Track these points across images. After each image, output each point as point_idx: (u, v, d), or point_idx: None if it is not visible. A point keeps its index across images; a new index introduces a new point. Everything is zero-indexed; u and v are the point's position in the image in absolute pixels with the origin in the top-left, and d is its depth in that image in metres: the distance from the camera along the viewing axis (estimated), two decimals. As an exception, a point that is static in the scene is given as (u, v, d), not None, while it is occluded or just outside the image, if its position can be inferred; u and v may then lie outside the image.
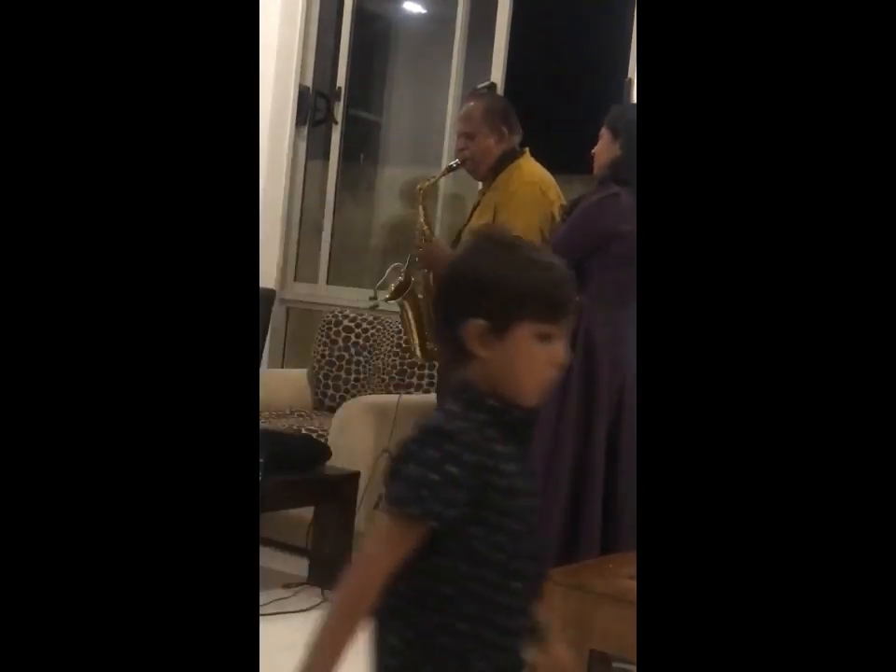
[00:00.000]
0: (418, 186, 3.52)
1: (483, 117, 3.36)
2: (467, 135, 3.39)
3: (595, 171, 3.02)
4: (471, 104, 3.44)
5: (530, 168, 3.35)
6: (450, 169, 3.59)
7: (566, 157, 3.66)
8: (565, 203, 3.36)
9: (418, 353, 3.52)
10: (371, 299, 3.59)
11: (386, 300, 3.51)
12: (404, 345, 4.08)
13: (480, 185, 3.47)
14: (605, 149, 2.97)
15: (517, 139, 3.39)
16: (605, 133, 2.99)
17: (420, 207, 3.49)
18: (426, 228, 3.47)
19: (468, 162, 3.42)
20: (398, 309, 3.58)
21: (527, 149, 3.40)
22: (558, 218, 3.29)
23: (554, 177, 3.44)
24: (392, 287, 3.47)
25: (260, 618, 2.99)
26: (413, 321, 3.49)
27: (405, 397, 3.80)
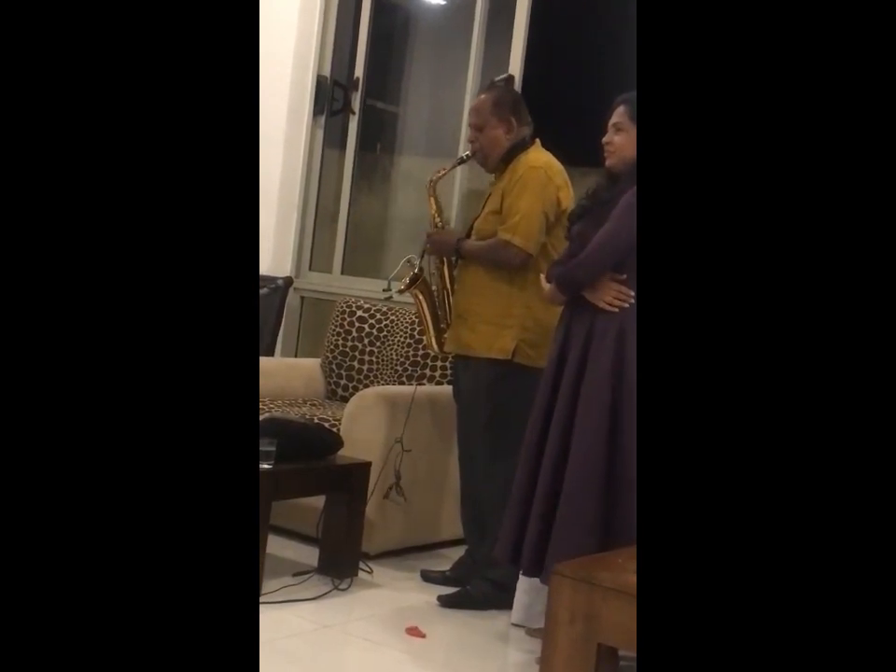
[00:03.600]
0: (429, 178, 3.53)
1: (492, 108, 3.36)
2: (476, 127, 3.40)
3: (616, 164, 2.89)
4: (481, 96, 3.46)
5: (537, 155, 3.35)
6: (460, 161, 3.60)
7: (585, 148, 3.64)
8: (572, 191, 3.34)
9: (434, 345, 3.51)
10: (384, 290, 3.59)
11: (400, 291, 3.51)
12: (418, 336, 4.09)
13: (493, 177, 3.46)
14: (632, 143, 2.82)
15: (527, 130, 3.39)
16: (628, 126, 2.85)
17: (431, 199, 3.49)
18: (438, 219, 3.48)
19: (478, 154, 3.43)
20: (412, 300, 3.58)
21: (538, 140, 3.40)
22: (563, 205, 3.27)
23: (573, 169, 3.42)
24: (406, 278, 3.47)
25: (270, 605, 3.02)
26: (427, 313, 3.49)
27: (418, 388, 3.80)
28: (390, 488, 3.58)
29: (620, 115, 2.90)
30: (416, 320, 3.92)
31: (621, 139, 2.88)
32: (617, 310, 2.79)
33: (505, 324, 3.27)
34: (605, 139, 2.93)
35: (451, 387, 3.58)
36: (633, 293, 2.79)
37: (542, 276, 3.00)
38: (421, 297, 3.48)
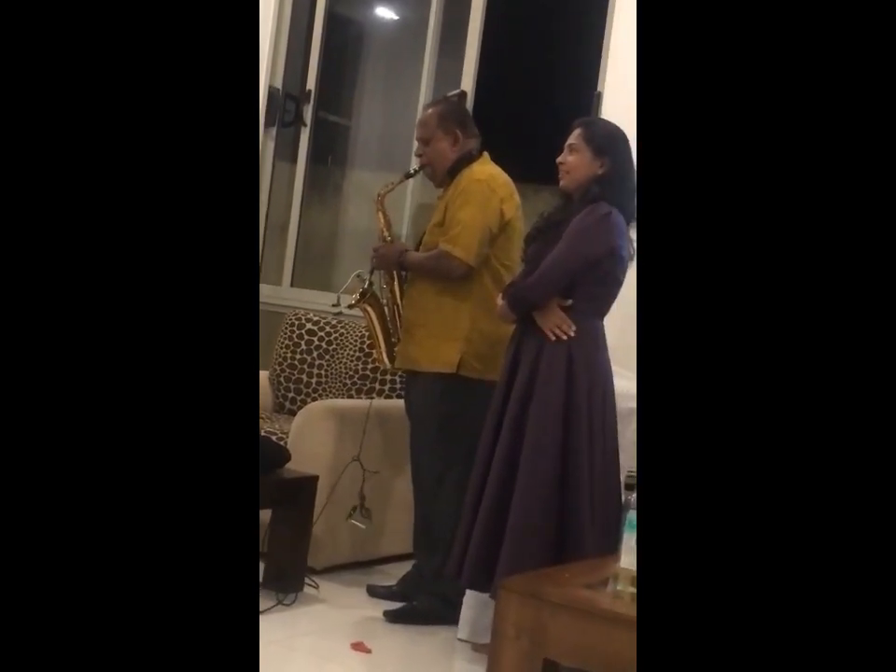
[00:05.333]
0: (377, 192, 3.52)
1: (438, 121, 3.37)
2: (423, 140, 3.41)
3: (569, 184, 2.94)
4: (428, 110, 3.47)
5: (482, 167, 3.36)
6: (408, 175, 3.61)
7: (535, 166, 3.66)
8: (518, 202, 3.35)
9: (385, 360, 3.50)
10: (333, 305, 3.57)
11: (350, 306, 3.50)
12: (368, 350, 4.07)
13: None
14: (584, 165, 2.90)
15: (474, 143, 3.40)
16: (582, 148, 2.90)
17: (379, 213, 3.49)
18: (386, 233, 3.47)
19: (426, 168, 3.44)
20: (362, 314, 3.57)
21: (486, 153, 3.41)
22: (507, 217, 3.26)
23: (526, 185, 3.43)
24: (357, 293, 3.46)
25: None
26: (378, 328, 3.48)
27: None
28: (354, 509, 3.53)
29: (576, 136, 2.95)
30: (366, 333, 3.90)
31: (574, 159, 2.93)
32: (555, 338, 2.84)
33: (450, 336, 3.26)
34: (559, 159, 2.97)
35: (399, 401, 3.57)
36: (574, 326, 2.83)
37: (500, 295, 3.01)
38: (371, 312, 3.47)
